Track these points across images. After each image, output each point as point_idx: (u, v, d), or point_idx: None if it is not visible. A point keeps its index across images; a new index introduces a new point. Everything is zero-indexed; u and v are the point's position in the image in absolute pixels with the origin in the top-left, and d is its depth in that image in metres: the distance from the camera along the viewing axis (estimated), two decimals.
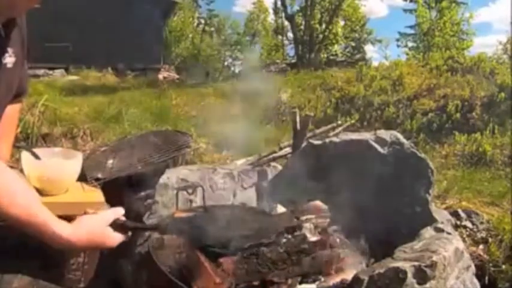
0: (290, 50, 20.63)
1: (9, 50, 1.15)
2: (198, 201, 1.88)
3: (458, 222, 2.50)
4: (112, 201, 1.81)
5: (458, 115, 5.63)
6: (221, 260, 1.33)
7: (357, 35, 22.89)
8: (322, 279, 1.41)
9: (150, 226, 1.61)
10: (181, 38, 19.97)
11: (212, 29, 24.54)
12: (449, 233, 1.68)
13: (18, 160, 2.21)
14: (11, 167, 1.44)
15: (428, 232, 1.72)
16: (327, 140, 2.12)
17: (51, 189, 1.71)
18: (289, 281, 1.36)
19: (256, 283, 1.31)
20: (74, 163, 1.79)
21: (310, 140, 2.25)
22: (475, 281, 1.60)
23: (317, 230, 1.57)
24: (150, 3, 11.55)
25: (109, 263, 1.91)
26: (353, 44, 22.72)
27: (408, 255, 1.40)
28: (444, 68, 7.15)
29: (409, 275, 1.28)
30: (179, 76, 13.29)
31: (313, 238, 1.52)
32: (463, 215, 2.58)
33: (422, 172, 1.91)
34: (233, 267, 1.31)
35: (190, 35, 21.25)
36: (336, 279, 1.40)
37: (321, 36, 15.88)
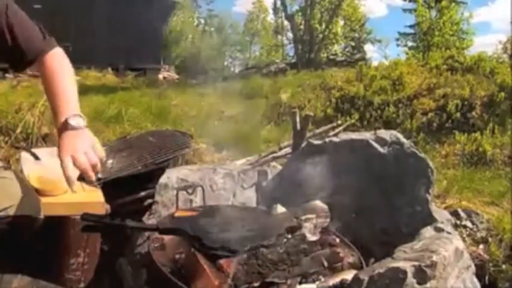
0: (290, 50, 20.62)
1: None
2: (198, 201, 1.88)
3: (458, 222, 2.50)
4: (112, 201, 1.81)
5: (458, 115, 5.63)
6: (221, 261, 1.33)
7: (356, 34, 22.87)
8: (322, 279, 1.41)
9: (151, 226, 1.61)
10: (181, 38, 19.96)
11: (212, 29, 24.55)
12: (449, 233, 1.68)
13: (18, 160, 2.22)
14: (4, 167, 1.44)
15: (428, 232, 1.72)
16: (327, 140, 2.12)
17: (51, 189, 1.71)
18: (289, 281, 1.36)
19: (256, 284, 1.31)
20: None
21: (310, 140, 2.25)
22: (475, 280, 1.60)
23: (317, 230, 1.57)
24: (150, 3, 11.54)
25: (109, 262, 1.92)
26: (353, 43, 22.70)
27: (408, 255, 1.40)
28: (444, 68, 7.14)
29: (409, 275, 1.28)
30: (179, 76, 13.29)
31: (312, 238, 1.52)
32: (463, 214, 2.58)
33: (422, 172, 1.91)
34: (233, 269, 1.31)
35: (190, 35, 21.25)
36: (336, 279, 1.40)
37: (320, 36, 15.87)
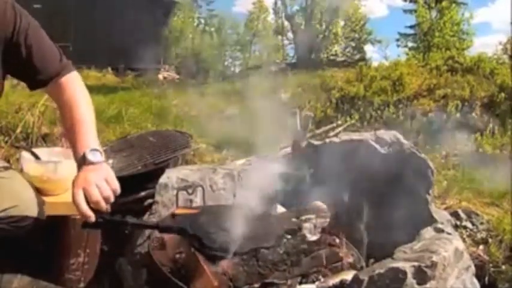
0: (290, 50, 20.63)
1: None
2: (198, 201, 1.88)
3: (458, 223, 2.49)
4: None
5: (458, 115, 5.64)
6: (222, 262, 1.32)
7: (356, 35, 22.86)
8: (322, 279, 1.41)
9: (151, 224, 1.61)
10: (181, 38, 19.95)
11: (212, 29, 24.54)
12: (449, 233, 1.68)
13: (18, 160, 2.21)
14: (6, 167, 1.44)
15: (428, 232, 1.72)
16: (327, 140, 2.12)
17: (51, 189, 1.71)
18: (289, 282, 1.36)
19: (257, 285, 1.31)
20: (74, 163, 1.79)
21: (310, 140, 2.25)
22: (475, 281, 1.60)
23: (317, 230, 1.57)
24: (150, 3, 11.55)
25: (109, 262, 1.92)
26: (353, 44, 22.69)
27: (408, 255, 1.40)
28: (444, 68, 7.15)
29: (409, 275, 1.28)
30: (179, 76, 13.29)
31: (312, 238, 1.52)
32: (463, 215, 2.57)
33: (422, 172, 1.91)
34: (234, 270, 1.31)
35: (190, 35, 21.24)
36: (336, 279, 1.40)
37: (321, 36, 15.88)
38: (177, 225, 1.47)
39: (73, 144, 1.30)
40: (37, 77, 1.37)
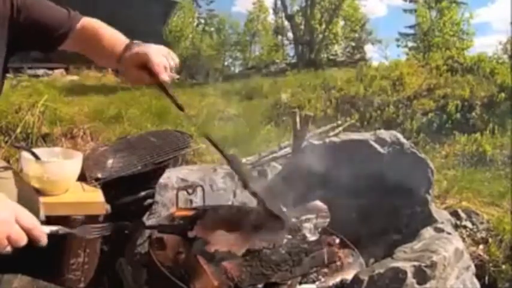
0: (290, 50, 20.60)
1: None
2: (198, 201, 1.88)
3: (458, 222, 2.49)
4: (112, 201, 1.81)
5: (458, 115, 5.64)
6: (224, 263, 1.32)
7: (357, 35, 22.83)
8: (322, 279, 1.41)
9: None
10: (181, 38, 19.91)
11: (212, 29, 24.53)
12: (449, 233, 1.68)
13: (18, 160, 2.21)
14: (6, 167, 1.44)
15: (428, 232, 1.72)
16: (327, 140, 2.12)
17: (51, 189, 1.71)
18: (289, 281, 1.36)
19: (260, 286, 1.31)
20: (74, 163, 1.79)
21: (310, 140, 2.25)
22: (475, 281, 1.60)
23: (317, 230, 1.57)
24: (150, 3, 11.54)
25: (109, 262, 1.92)
26: (353, 44, 22.67)
27: (408, 255, 1.40)
28: (444, 68, 7.17)
29: (409, 275, 1.29)
30: (179, 76, 13.29)
31: (312, 238, 1.52)
32: (463, 215, 2.57)
33: (422, 172, 1.91)
34: (237, 270, 1.30)
35: (190, 35, 21.20)
36: (336, 279, 1.40)
37: (321, 36, 15.88)
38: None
39: (109, 53, 1.39)
40: (56, 34, 1.38)
